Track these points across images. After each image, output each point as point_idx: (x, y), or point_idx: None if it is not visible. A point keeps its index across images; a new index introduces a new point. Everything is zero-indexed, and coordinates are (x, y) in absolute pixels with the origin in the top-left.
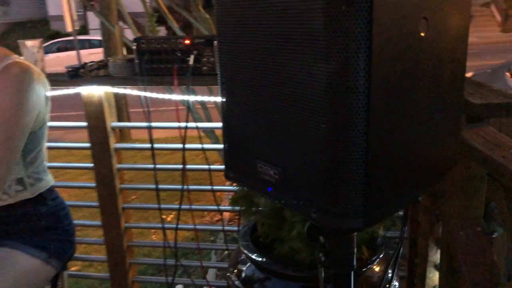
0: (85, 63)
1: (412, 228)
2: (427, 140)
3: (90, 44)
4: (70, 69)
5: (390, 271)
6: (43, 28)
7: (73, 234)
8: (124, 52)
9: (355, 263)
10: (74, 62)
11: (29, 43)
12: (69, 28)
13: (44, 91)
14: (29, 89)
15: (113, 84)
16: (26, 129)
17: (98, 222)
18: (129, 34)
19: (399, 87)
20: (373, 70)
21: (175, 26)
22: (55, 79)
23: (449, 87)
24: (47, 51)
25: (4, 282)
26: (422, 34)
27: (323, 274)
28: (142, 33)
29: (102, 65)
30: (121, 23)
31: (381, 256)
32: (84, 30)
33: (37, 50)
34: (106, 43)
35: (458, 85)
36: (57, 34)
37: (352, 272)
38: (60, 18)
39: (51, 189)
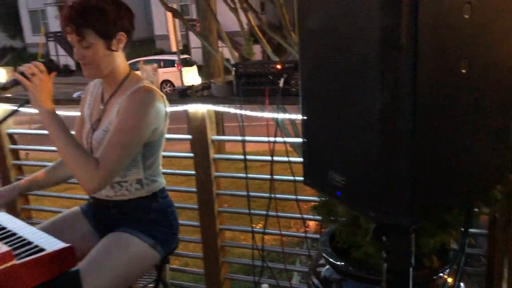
0: (192, 85)
1: (489, 245)
2: (471, 158)
3: (165, 63)
4: (180, 90)
5: (462, 284)
6: (149, 46)
7: (177, 229)
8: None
9: (413, 261)
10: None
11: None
12: (173, 48)
13: (164, 109)
14: (149, 108)
15: (214, 103)
16: (141, 140)
17: (196, 223)
18: (225, 51)
19: (442, 114)
20: (418, 101)
21: (268, 50)
22: (167, 98)
23: (495, 112)
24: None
25: (119, 259)
26: (463, 71)
27: (385, 269)
28: (239, 52)
29: (206, 86)
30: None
31: (451, 267)
32: (186, 48)
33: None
34: (206, 62)
35: (505, 109)
36: (162, 52)
37: (411, 269)
38: (165, 37)
39: (162, 189)
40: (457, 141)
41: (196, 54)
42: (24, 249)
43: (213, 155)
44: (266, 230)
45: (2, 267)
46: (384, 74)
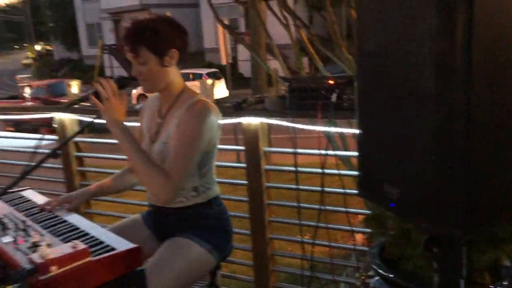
0: (246, 98)
1: None
2: None
3: (194, 76)
4: (235, 103)
5: None
6: (198, 59)
7: (231, 236)
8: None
9: (464, 273)
10: None
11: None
12: (223, 61)
13: (217, 120)
14: (206, 121)
15: (267, 116)
16: (199, 150)
17: (247, 231)
18: (272, 63)
19: (495, 132)
20: (471, 121)
21: (320, 65)
22: (222, 110)
23: None
24: None
25: (180, 262)
26: None
27: (436, 282)
28: (287, 64)
29: (259, 100)
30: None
31: (502, 285)
32: (235, 61)
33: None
34: (255, 75)
35: None
36: (210, 65)
37: (462, 281)
38: (214, 50)
39: (217, 197)
40: (510, 158)
41: (244, 66)
42: (97, 247)
43: (264, 166)
44: (316, 241)
45: (80, 262)
46: (439, 95)
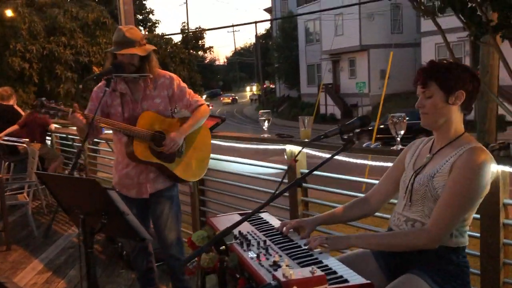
0: (487, 144)
1: None
2: None
3: None
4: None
5: None
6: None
7: None
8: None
9: None
10: None
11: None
12: None
13: (491, 169)
14: (484, 176)
15: (509, 164)
16: (476, 202)
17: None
18: None
19: None
20: None
21: None
22: None
23: None
24: None
25: None
26: None
27: None
28: None
29: (503, 146)
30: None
31: None
32: None
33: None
34: (482, 119)
35: None
36: None
37: None
38: None
39: (464, 248)
40: None
41: None
42: (331, 276)
43: (503, 219)
44: None
45: None
46: None
